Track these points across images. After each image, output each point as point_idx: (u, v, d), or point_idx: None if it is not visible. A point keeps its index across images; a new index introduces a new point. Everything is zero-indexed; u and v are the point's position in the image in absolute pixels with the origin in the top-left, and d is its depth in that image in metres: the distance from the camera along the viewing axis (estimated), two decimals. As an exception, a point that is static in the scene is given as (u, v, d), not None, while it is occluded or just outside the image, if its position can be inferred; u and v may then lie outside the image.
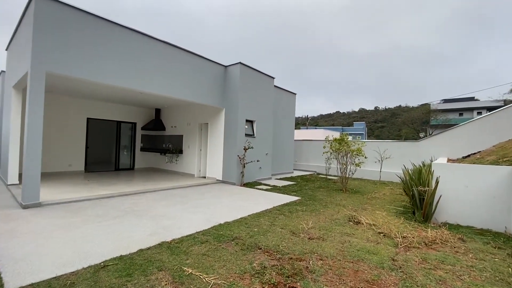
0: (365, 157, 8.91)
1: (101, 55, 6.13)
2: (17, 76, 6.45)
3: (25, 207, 5.05)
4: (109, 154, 14.79)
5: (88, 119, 10.77)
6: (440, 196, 5.11)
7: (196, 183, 8.83)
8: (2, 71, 9.88)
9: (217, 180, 9.62)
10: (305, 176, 12.43)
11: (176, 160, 11.47)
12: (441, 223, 5.08)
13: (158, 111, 12.58)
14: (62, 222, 4.36)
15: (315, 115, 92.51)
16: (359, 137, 35.87)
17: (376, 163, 11.61)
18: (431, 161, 7.61)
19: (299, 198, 7.16)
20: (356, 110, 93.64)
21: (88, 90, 8.50)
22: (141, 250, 3.37)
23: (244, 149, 9.12)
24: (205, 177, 10.30)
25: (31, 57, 5.09)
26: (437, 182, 5.10)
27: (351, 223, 4.92)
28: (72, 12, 5.66)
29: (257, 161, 9.95)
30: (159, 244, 3.58)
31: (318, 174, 13.45)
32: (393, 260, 3.36)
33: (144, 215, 5.00)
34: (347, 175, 8.66)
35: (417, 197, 5.31)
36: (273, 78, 11.02)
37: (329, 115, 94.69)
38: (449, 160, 7.47)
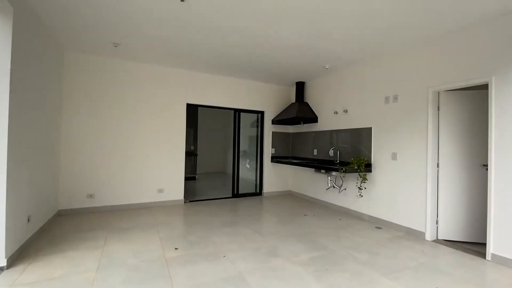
0: None
1: None
2: None
3: None
4: (222, 166, 10.20)
5: (188, 105, 5.97)
6: None
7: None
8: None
9: None
10: None
11: (360, 188, 4.97)
12: None
13: (300, 88, 6.60)
14: None
15: None
16: None
17: None
18: None
19: None
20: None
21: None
22: None
23: None
24: (479, 253, 3.29)
25: None
26: None
27: None
28: None
29: None
30: None
31: None
32: None
33: None
34: None
35: None
36: None
37: None
38: None
